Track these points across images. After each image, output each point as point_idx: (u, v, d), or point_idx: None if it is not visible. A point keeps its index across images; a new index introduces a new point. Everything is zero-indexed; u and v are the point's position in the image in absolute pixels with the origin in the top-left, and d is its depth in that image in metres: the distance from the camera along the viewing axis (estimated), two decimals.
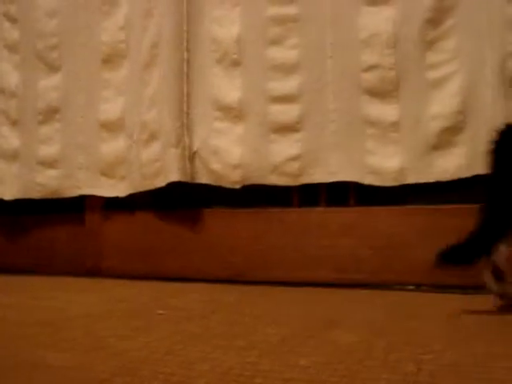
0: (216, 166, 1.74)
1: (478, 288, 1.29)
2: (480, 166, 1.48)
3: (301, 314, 1.11)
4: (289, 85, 1.69)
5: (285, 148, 1.68)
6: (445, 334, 0.90)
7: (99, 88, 1.95)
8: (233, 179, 1.73)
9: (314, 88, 1.66)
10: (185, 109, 1.76)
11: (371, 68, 1.60)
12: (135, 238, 1.84)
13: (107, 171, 1.92)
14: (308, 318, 1.07)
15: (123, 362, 0.75)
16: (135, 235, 1.84)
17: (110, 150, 1.92)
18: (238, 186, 1.72)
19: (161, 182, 1.77)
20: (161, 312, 1.16)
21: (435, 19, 1.55)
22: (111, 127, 1.92)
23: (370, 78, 1.60)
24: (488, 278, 1.16)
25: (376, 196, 1.60)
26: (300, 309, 1.19)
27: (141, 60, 1.85)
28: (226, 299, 1.36)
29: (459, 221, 1.42)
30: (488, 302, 1.17)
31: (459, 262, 1.19)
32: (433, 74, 1.57)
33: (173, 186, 1.74)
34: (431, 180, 1.54)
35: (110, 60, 1.94)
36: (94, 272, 1.88)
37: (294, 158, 1.67)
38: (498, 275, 1.16)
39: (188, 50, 1.77)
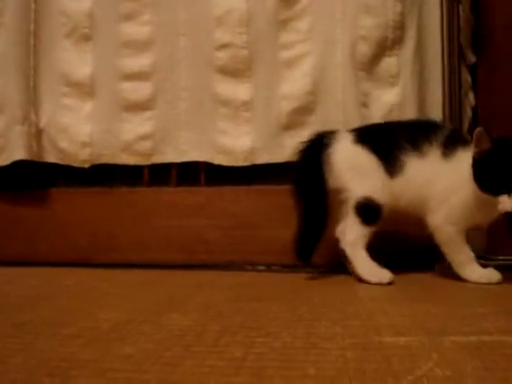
0: (64, 144, 1.66)
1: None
2: None
3: (141, 298, 1.06)
4: (141, 62, 1.64)
5: (136, 126, 1.63)
6: (285, 315, 0.88)
7: None
8: (82, 158, 1.66)
9: (166, 66, 1.62)
10: (31, 83, 1.66)
11: (224, 46, 1.57)
12: None
13: None
14: (148, 301, 1.02)
15: None
16: None
17: None
18: (87, 166, 1.65)
19: (4, 161, 1.66)
20: None
21: None
22: None
23: (222, 56, 1.57)
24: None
25: (229, 176, 1.57)
26: (142, 292, 1.14)
27: None
28: (64, 283, 1.28)
29: None
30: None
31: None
32: (285, 54, 1.56)
33: (18, 165, 1.63)
34: (281, 160, 1.54)
35: None
36: None
37: (146, 137, 1.63)
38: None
39: (35, 22, 1.67)
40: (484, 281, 1.19)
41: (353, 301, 1.01)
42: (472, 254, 1.22)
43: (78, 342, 0.72)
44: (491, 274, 1.20)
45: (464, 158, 1.17)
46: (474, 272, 1.21)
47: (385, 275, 1.20)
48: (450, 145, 1.22)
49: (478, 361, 0.62)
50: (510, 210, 1.10)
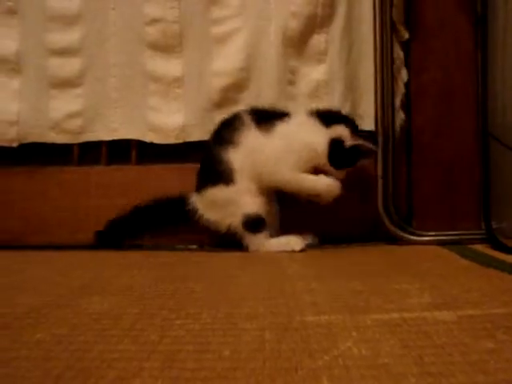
0: None
1: None
2: None
3: (65, 281, 1.02)
4: (69, 37, 1.58)
5: (65, 104, 1.58)
6: (209, 295, 0.87)
7: None
8: (9, 137, 1.60)
9: (96, 41, 1.57)
10: None
11: (154, 21, 1.53)
12: None
13: None
14: (71, 284, 0.98)
15: None
16: None
17: None
18: (14, 145, 1.60)
19: None
20: None
21: None
22: None
23: (152, 31, 1.53)
24: None
25: (160, 154, 1.54)
26: (67, 274, 1.10)
27: None
28: None
29: None
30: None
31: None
32: (217, 30, 1.53)
33: None
34: None
35: None
36: None
37: (75, 115, 1.58)
38: None
39: None
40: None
41: (281, 279, 0.99)
42: None
43: None
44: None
45: None
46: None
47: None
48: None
49: (397, 339, 0.61)
50: None
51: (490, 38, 1.39)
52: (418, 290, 0.87)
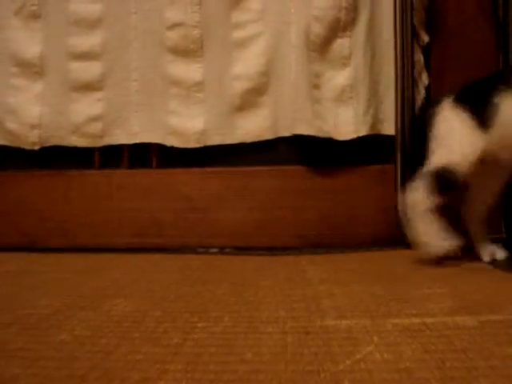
0: (12, 125, 1.62)
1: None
2: (283, 128, 1.48)
3: (86, 283, 1.03)
4: (91, 41, 1.59)
5: (86, 108, 1.59)
6: (230, 298, 0.87)
7: None
8: (31, 140, 1.61)
9: (117, 45, 1.58)
10: None
11: (175, 26, 1.53)
12: None
13: None
14: (92, 286, 0.99)
15: None
16: None
17: None
18: (36, 148, 1.61)
19: None
20: None
21: None
22: None
23: (173, 36, 1.54)
24: None
25: (180, 158, 1.55)
26: (88, 277, 1.11)
27: None
28: (7, 269, 1.25)
29: (260, 182, 1.43)
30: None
31: None
32: (238, 34, 1.54)
33: None
34: (234, 142, 1.53)
35: None
36: None
37: (96, 118, 1.59)
38: None
39: None
40: None
41: (301, 283, 1.00)
42: None
43: (11, 330, 0.70)
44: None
45: None
46: None
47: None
48: None
49: (419, 343, 0.61)
50: None
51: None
52: (439, 294, 0.87)
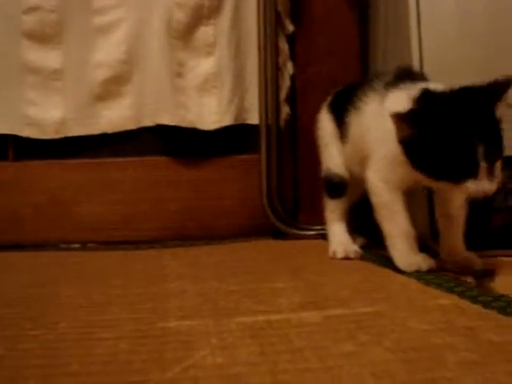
0: None
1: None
2: (146, 118, 1.44)
3: None
4: None
5: None
6: (75, 300, 0.83)
7: None
8: None
9: None
10: None
11: (31, 9, 1.45)
12: None
13: None
14: None
15: None
16: None
17: None
18: None
19: None
20: None
21: None
22: None
23: (29, 20, 1.46)
24: None
25: (39, 150, 1.47)
26: None
27: None
28: None
29: (124, 174, 1.38)
30: None
31: None
32: (99, 20, 1.48)
33: None
34: (96, 132, 1.47)
35: None
36: None
37: None
38: None
39: None
40: (414, 269, 0.93)
41: (156, 280, 0.96)
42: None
43: None
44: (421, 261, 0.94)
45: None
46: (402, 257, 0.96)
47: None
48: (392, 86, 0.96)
49: (257, 344, 0.59)
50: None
51: (373, 27, 1.41)
52: (291, 288, 0.86)
